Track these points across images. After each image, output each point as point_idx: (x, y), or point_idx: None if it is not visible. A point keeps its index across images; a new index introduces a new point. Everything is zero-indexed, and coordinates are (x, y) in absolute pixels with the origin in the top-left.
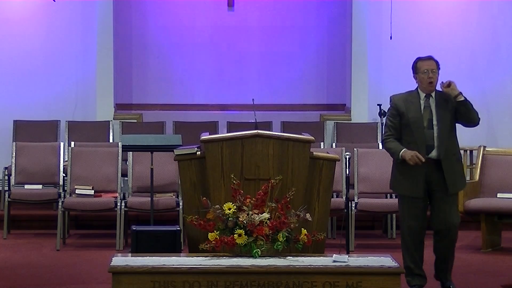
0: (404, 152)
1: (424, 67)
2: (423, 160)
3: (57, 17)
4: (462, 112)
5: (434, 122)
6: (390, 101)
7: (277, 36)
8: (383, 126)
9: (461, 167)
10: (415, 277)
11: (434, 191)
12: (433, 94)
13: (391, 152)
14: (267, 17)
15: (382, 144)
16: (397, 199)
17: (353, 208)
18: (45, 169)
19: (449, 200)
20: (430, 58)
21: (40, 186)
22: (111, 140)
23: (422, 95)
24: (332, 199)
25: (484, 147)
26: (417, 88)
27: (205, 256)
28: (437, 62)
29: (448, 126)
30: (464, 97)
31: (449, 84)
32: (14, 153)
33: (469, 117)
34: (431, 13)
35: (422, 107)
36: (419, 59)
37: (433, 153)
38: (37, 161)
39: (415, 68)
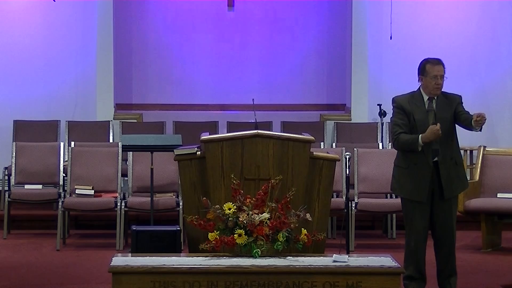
0: (422, 136)
1: (434, 72)
2: (439, 129)
3: (57, 17)
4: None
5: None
6: (394, 102)
7: (277, 36)
8: (391, 127)
9: (460, 170)
10: (413, 282)
11: (434, 195)
12: (435, 96)
13: (408, 143)
14: (267, 17)
15: (393, 143)
16: (397, 199)
17: (353, 208)
18: (45, 169)
19: (446, 204)
20: (440, 62)
21: (40, 186)
22: (111, 140)
23: (425, 97)
24: (332, 199)
25: (484, 147)
26: (419, 89)
27: (205, 256)
28: (444, 66)
29: (449, 129)
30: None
31: (483, 120)
32: (14, 153)
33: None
34: (431, 13)
35: (426, 110)
36: (427, 61)
37: (438, 158)
38: (37, 161)
39: (423, 71)
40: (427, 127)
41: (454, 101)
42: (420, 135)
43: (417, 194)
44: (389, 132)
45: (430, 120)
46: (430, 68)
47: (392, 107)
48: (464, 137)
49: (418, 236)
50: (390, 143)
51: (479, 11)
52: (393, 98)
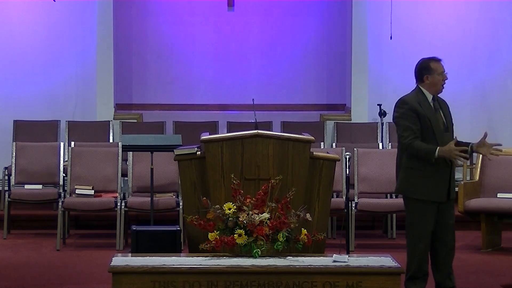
0: (441, 150)
1: (441, 69)
2: (467, 151)
3: (57, 17)
4: None
5: (446, 125)
6: (405, 104)
7: (277, 36)
8: (402, 129)
9: None
10: (413, 282)
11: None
12: (435, 96)
13: (423, 152)
14: (267, 17)
15: (406, 148)
16: (397, 199)
17: (353, 208)
18: (45, 169)
19: (450, 204)
20: (440, 59)
21: (40, 186)
22: (111, 140)
23: (429, 96)
24: (332, 199)
25: None
26: (420, 89)
27: (205, 256)
28: None
29: (453, 132)
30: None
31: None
32: (14, 153)
33: None
34: (431, 13)
35: (433, 109)
36: (430, 60)
37: None
38: (37, 161)
39: (428, 69)
40: (439, 128)
41: (447, 106)
42: (438, 149)
43: (437, 195)
44: (389, 132)
45: (440, 120)
46: (436, 65)
47: (400, 108)
48: (464, 137)
49: (426, 237)
50: (390, 143)
51: (479, 11)
52: (402, 99)
